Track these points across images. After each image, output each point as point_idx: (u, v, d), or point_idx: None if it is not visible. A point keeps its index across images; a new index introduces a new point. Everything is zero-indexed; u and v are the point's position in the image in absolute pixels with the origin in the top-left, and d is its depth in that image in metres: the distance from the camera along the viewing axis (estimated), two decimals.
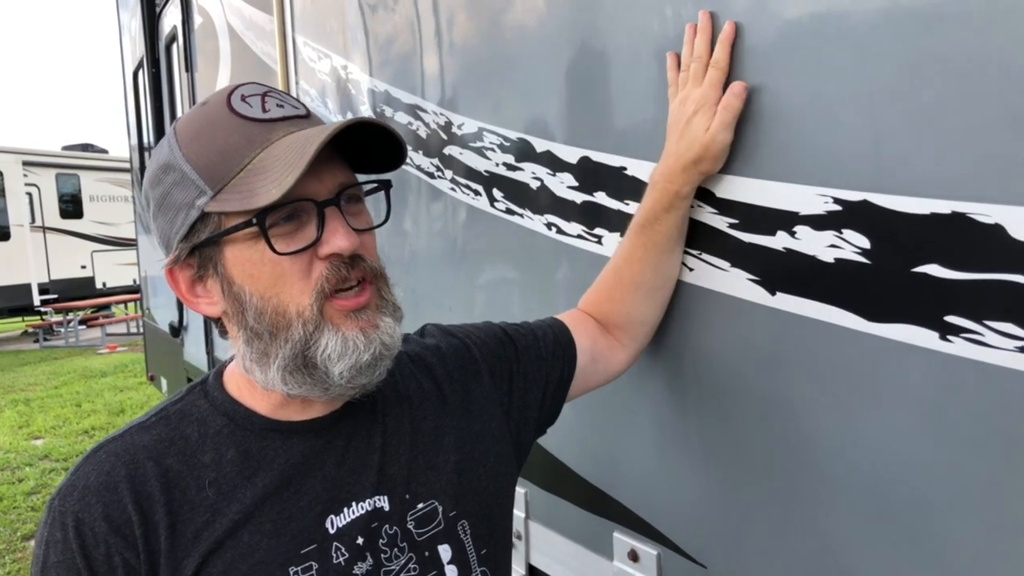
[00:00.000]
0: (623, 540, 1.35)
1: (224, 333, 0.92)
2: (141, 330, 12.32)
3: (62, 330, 14.17)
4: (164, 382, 5.63)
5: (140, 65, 5.13)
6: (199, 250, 0.84)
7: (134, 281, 14.96)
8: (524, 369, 1.10)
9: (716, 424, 1.15)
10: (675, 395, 1.22)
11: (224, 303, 0.86)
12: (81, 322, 14.26)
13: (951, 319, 0.82)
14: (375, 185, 0.91)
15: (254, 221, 0.79)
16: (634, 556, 1.32)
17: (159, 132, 4.74)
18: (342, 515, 0.87)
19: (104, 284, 15.64)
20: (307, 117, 0.87)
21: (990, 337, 0.79)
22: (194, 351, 4.37)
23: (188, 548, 0.81)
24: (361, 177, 0.90)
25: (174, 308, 4.67)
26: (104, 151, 16.96)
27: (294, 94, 2.62)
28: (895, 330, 0.87)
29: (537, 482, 1.58)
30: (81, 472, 0.82)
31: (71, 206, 15.26)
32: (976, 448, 0.82)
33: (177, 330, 4.65)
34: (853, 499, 0.95)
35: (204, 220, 0.82)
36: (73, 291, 14.92)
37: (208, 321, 4.00)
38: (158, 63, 4.68)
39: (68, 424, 7.62)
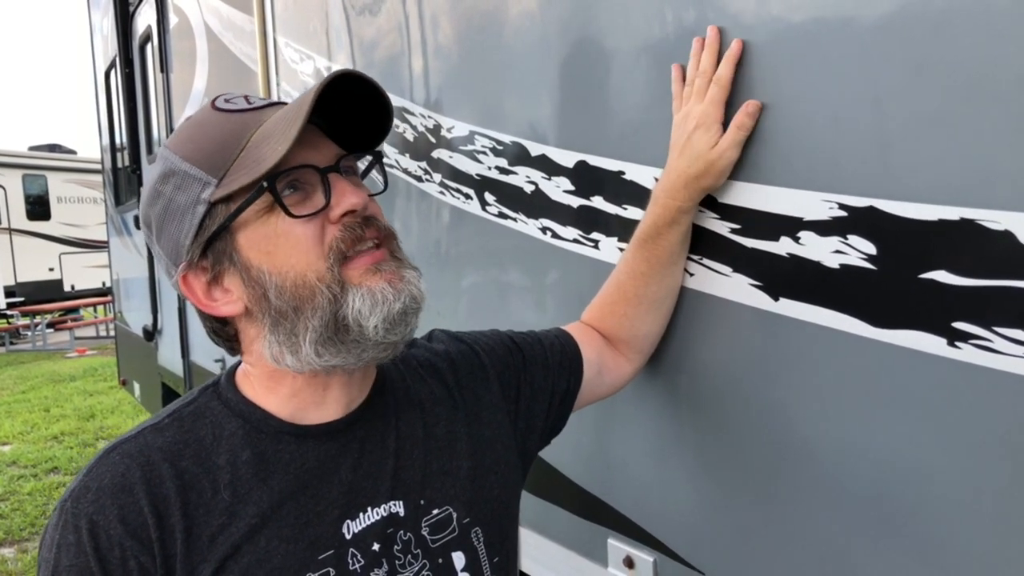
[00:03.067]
0: (618, 547, 1.34)
1: (233, 349, 0.91)
2: (110, 333, 12.14)
3: (29, 334, 13.92)
4: (137, 386, 5.55)
5: (112, 65, 5.06)
6: (211, 247, 0.84)
7: (103, 284, 14.75)
8: (531, 378, 1.09)
9: (715, 429, 1.14)
10: (674, 400, 1.22)
11: (245, 294, 0.84)
12: (49, 325, 14.00)
13: (959, 325, 0.82)
14: (370, 161, 0.93)
15: (265, 185, 0.79)
16: (630, 563, 1.32)
17: (132, 132, 4.67)
18: (358, 520, 0.87)
19: (72, 287, 15.40)
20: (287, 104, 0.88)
21: (999, 344, 0.79)
22: (169, 355, 4.30)
23: (204, 552, 0.79)
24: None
25: (148, 311, 4.60)
26: (72, 152, 16.70)
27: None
28: (902, 336, 0.87)
29: (528, 487, 1.56)
30: (94, 473, 0.80)
31: (38, 207, 15.00)
32: (985, 455, 0.82)
33: (151, 334, 4.58)
34: (857, 506, 0.95)
35: (211, 215, 0.82)
36: (40, 294, 14.67)
37: (184, 324, 3.96)
38: (132, 63, 4.61)
39: (36, 429, 7.47)
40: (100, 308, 15.46)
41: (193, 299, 0.87)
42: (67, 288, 15.33)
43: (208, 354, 3.57)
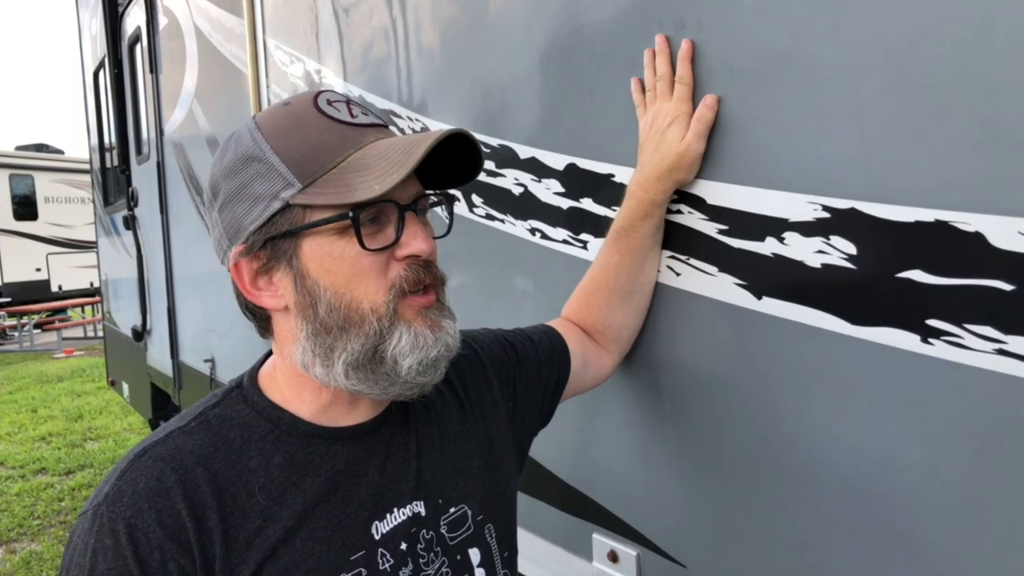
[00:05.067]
0: (602, 541, 1.37)
1: (265, 332, 0.92)
2: (98, 334, 12.08)
3: (16, 334, 13.85)
4: (126, 387, 5.54)
5: (101, 65, 5.05)
6: (273, 243, 0.84)
7: (91, 284, 14.68)
8: (525, 374, 1.13)
9: (697, 426, 1.17)
10: (658, 397, 1.24)
11: (294, 297, 0.85)
12: (36, 326, 13.93)
13: (933, 323, 0.84)
14: (440, 198, 0.94)
15: (350, 214, 0.81)
16: (614, 557, 1.34)
17: (121, 133, 4.66)
18: (386, 521, 0.89)
19: (60, 287, 15.31)
20: (387, 127, 0.90)
21: (970, 340, 0.81)
22: (158, 356, 4.31)
23: (242, 554, 0.79)
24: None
25: (137, 312, 4.60)
26: (59, 152, 16.62)
27: (264, 97, 2.60)
28: (878, 333, 0.90)
29: None
30: (128, 477, 0.79)
31: (25, 208, 14.92)
32: (955, 447, 0.85)
33: (140, 334, 4.58)
34: (833, 497, 0.98)
35: (284, 213, 0.83)
36: (27, 294, 14.58)
37: (173, 325, 3.95)
38: (121, 64, 4.61)
39: (24, 430, 7.44)
40: (88, 308, 15.39)
41: (239, 283, 0.88)
42: (54, 288, 15.25)
43: (197, 354, 3.58)
